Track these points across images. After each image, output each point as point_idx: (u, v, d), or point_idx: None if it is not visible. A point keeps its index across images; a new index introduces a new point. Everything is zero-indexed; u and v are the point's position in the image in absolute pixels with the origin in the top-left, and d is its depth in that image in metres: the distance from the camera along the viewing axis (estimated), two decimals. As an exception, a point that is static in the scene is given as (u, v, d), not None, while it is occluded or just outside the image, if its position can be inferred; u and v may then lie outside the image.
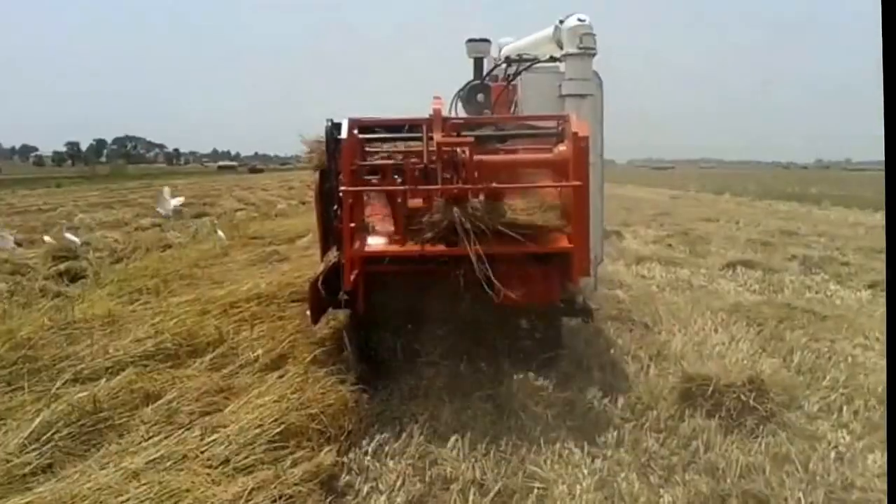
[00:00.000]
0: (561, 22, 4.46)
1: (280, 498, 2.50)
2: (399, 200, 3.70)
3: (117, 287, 5.91)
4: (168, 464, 2.67)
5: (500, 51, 6.04)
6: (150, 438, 2.88)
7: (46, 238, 9.64)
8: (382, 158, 3.84)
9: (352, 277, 3.61)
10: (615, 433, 3.25)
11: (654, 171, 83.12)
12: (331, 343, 4.16)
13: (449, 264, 3.61)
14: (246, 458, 2.70)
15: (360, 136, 3.82)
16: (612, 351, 4.49)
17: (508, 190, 3.78)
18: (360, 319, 4.03)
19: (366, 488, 2.80)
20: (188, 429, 2.96)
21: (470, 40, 5.92)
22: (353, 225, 3.59)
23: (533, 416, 3.41)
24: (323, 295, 3.82)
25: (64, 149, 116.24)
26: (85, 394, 3.20)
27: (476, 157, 3.64)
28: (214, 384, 3.44)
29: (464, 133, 3.97)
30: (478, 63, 5.86)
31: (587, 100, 4.35)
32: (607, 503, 2.69)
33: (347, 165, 3.60)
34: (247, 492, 2.48)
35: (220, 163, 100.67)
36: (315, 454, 2.85)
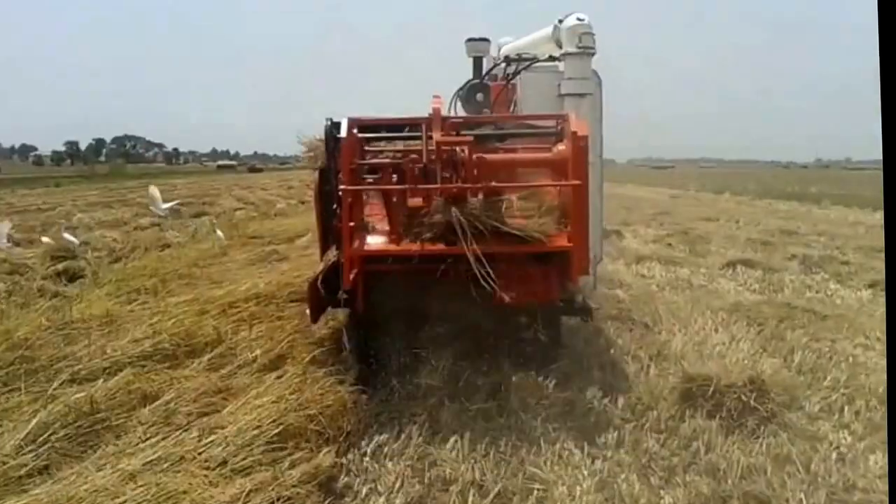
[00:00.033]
0: (560, 21, 4.47)
1: (278, 500, 2.48)
2: (395, 199, 3.69)
3: (115, 287, 5.89)
4: (165, 465, 2.65)
5: (499, 50, 6.04)
6: (147, 440, 2.86)
7: (44, 239, 9.59)
8: (382, 158, 3.83)
9: (351, 276, 3.60)
10: (615, 434, 3.23)
11: (654, 170, 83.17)
12: (329, 343, 4.15)
13: (448, 263, 3.59)
14: (244, 459, 2.68)
15: (360, 135, 3.80)
16: (612, 351, 4.48)
17: (508, 189, 3.77)
18: (360, 319, 4.02)
19: (364, 490, 2.78)
20: (186, 430, 2.94)
21: (469, 39, 5.92)
22: (352, 224, 3.57)
23: (533, 417, 3.40)
24: (322, 294, 3.82)
25: (63, 148, 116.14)
26: (82, 394, 3.18)
27: (475, 156, 3.63)
28: (212, 385, 3.42)
29: (463, 132, 3.95)
30: (477, 62, 5.86)
31: (586, 99, 4.35)
32: (607, 505, 2.67)
33: (347, 164, 3.59)
34: (245, 493, 2.46)
35: (220, 162, 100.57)
36: (313, 455, 2.84)
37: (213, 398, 3.29)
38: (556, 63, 4.72)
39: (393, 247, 3.65)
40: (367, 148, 3.89)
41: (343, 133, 3.68)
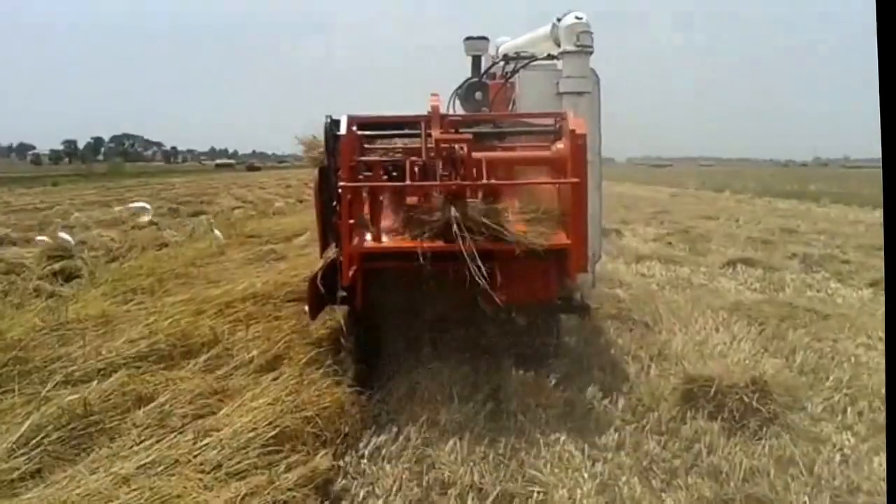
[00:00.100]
0: (558, 20, 4.47)
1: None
2: (381, 198, 3.70)
3: (112, 287, 5.84)
4: (159, 469, 2.61)
5: (497, 50, 6.04)
6: (141, 442, 2.82)
7: (39, 238, 9.51)
8: (381, 155, 3.83)
9: (350, 273, 3.60)
10: (616, 435, 3.20)
11: (653, 168, 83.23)
12: (327, 344, 4.11)
13: (447, 261, 3.58)
14: (239, 462, 2.64)
15: (359, 132, 3.80)
16: (612, 350, 4.45)
17: (506, 187, 3.75)
18: (359, 316, 4.02)
19: (362, 493, 2.74)
20: (181, 432, 2.90)
21: (468, 38, 5.91)
22: (351, 221, 3.57)
23: (532, 418, 3.37)
24: (321, 291, 3.80)
25: (61, 147, 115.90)
26: (76, 396, 3.13)
27: (474, 154, 3.62)
28: (208, 386, 3.38)
29: (462, 130, 3.94)
30: (476, 61, 5.85)
31: (584, 97, 4.34)
32: (608, 508, 2.64)
33: (346, 162, 3.59)
34: (240, 497, 2.42)
35: (218, 161, 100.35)
36: (310, 458, 2.79)
37: (209, 400, 3.25)
38: (555, 61, 4.72)
39: (392, 244, 3.64)
40: (366, 146, 3.87)
41: (342, 130, 3.68)
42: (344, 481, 2.81)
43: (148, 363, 3.71)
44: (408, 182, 3.61)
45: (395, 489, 2.74)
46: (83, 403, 3.07)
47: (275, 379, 3.45)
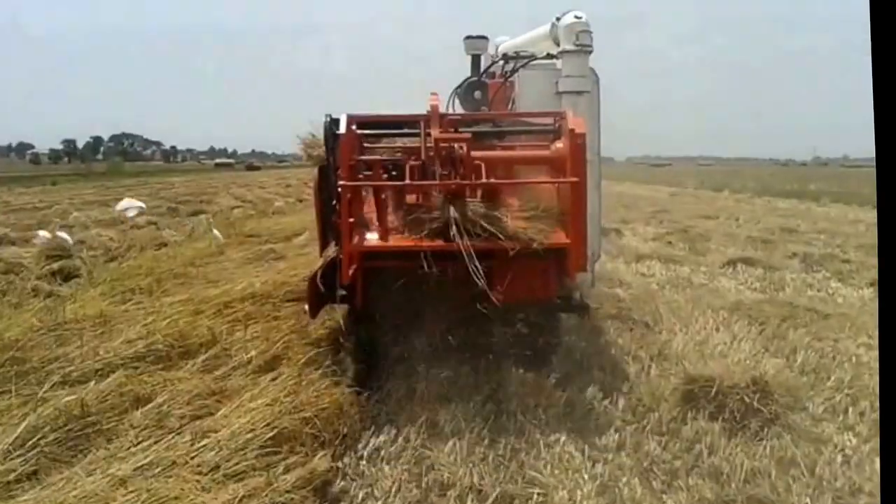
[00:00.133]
0: (558, 19, 4.48)
1: (272, 505, 2.43)
2: (384, 196, 3.69)
3: (110, 287, 5.82)
4: (157, 470, 2.58)
5: (496, 49, 6.04)
6: (139, 444, 2.80)
7: (41, 232, 9.43)
8: (380, 154, 3.83)
9: (350, 272, 3.60)
10: (616, 436, 3.18)
11: (653, 168, 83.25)
12: (326, 344, 4.10)
13: (447, 260, 3.58)
14: (237, 464, 2.62)
15: (359, 131, 3.80)
16: (612, 350, 4.43)
17: (505, 186, 3.75)
18: (358, 315, 4.03)
19: (361, 494, 2.72)
20: (178, 433, 2.87)
21: (468, 37, 5.92)
22: (351, 220, 3.57)
23: (532, 418, 3.35)
24: (321, 290, 3.80)
25: (60, 146, 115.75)
26: (73, 397, 3.11)
27: (473, 154, 3.61)
28: (206, 387, 3.36)
29: (461, 129, 3.93)
30: (475, 60, 5.85)
31: (584, 97, 4.33)
32: (609, 510, 2.62)
33: (346, 160, 3.58)
34: (237, 499, 2.40)
35: (217, 160, 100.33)
36: (308, 459, 2.77)
37: (207, 400, 3.22)
38: (554, 61, 4.71)
39: (391, 243, 3.63)
40: (365, 144, 3.87)
41: (342, 129, 3.68)
42: (343, 483, 2.80)
43: (146, 363, 3.69)
44: (407, 181, 3.61)
45: (394, 490, 2.73)
46: (80, 404, 3.05)
47: (273, 379, 3.43)
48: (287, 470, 2.66)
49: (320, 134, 3.92)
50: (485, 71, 5.66)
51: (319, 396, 3.24)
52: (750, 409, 3.32)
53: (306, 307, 4.02)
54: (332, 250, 3.93)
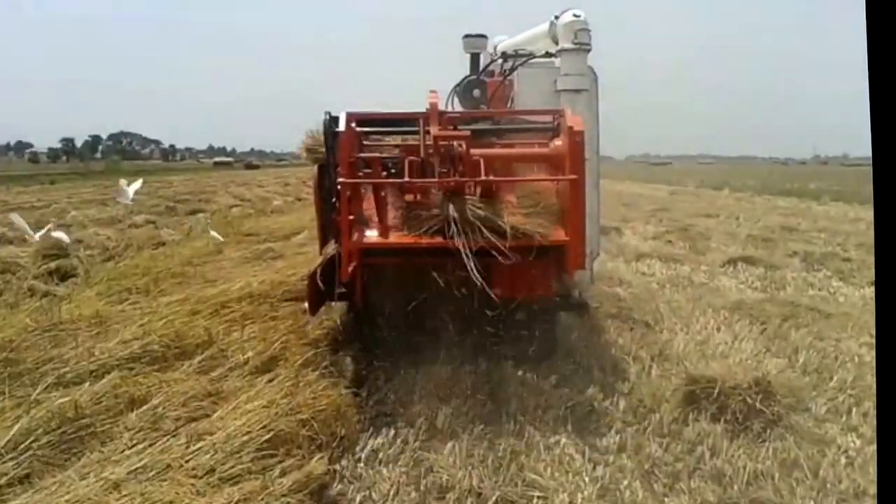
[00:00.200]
0: (556, 18, 4.50)
1: (268, 509, 2.39)
2: (383, 194, 3.69)
3: (107, 286, 5.77)
4: (151, 473, 2.54)
5: (495, 49, 6.06)
6: (133, 446, 2.75)
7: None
8: (379, 152, 3.82)
9: (349, 269, 3.60)
10: (617, 437, 3.14)
11: (652, 166, 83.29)
12: (324, 344, 4.06)
13: (446, 258, 3.56)
14: (232, 467, 2.57)
15: (358, 129, 3.80)
16: (612, 350, 4.39)
17: (504, 184, 3.73)
18: (358, 314, 4.04)
19: (358, 497, 2.68)
20: (174, 436, 2.83)
21: (467, 36, 5.95)
22: (350, 217, 3.57)
23: (532, 419, 3.32)
24: (321, 287, 3.78)
25: (59, 145, 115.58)
26: (67, 399, 3.06)
27: (472, 151, 3.60)
28: (202, 388, 3.31)
29: (460, 127, 3.93)
30: (474, 58, 5.88)
31: (582, 95, 4.35)
32: (610, 513, 2.58)
33: (345, 158, 3.59)
34: (233, 503, 2.37)
35: (216, 159, 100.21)
36: (305, 462, 2.73)
37: (203, 402, 3.18)
38: (553, 59, 4.72)
39: (391, 240, 3.62)
40: (365, 142, 3.87)
41: (341, 127, 3.69)
42: (340, 486, 2.76)
43: (141, 364, 3.64)
44: (406, 179, 3.60)
45: (392, 494, 2.69)
46: (74, 406, 3.00)
47: (270, 381, 3.38)
48: (283, 473, 2.62)
49: (320, 132, 3.92)
50: (484, 69, 5.67)
51: (317, 398, 3.20)
52: (752, 410, 3.28)
53: (306, 304, 4.01)
54: (331, 248, 3.92)
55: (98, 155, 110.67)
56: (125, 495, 2.40)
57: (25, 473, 2.60)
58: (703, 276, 7.17)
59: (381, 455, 2.98)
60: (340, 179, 3.57)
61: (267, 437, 2.79)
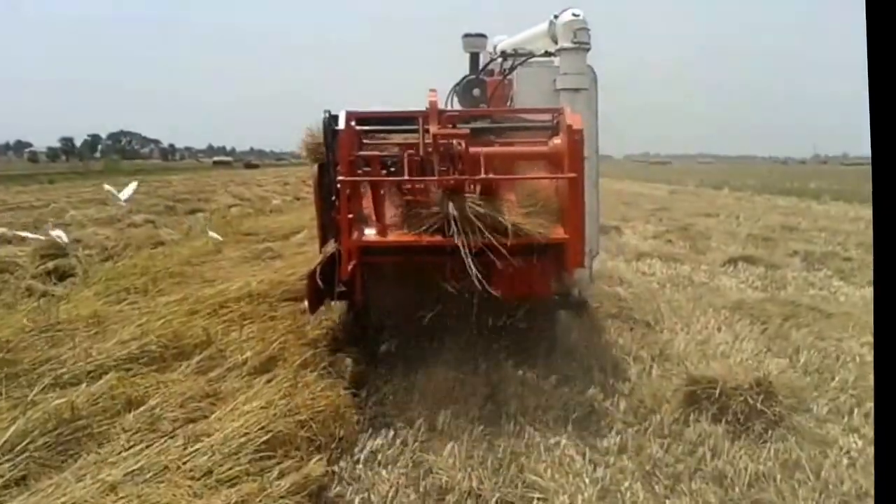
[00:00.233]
0: (556, 17, 4.50)
1: (265, 511, 2.37)
2: (382, 192, 3.69)
3: (105, 286, 5.74)
4: (148, 475, 2.53)
5: (494, 48, 6.07)
6: (130, 448, 2.73)
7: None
8: (379, 150, 3.82)
9: (349, 267, 3.60)
10: (618, 438, 3.12)
11: (652, 166, 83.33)
12: (323, 344, 4.04)
13: (445, 256, 3.55)
14: (230, 469, 2.56)
15: (358, 127, 3.80)
16: (613, 351, 4.37)
17: (503, 182, 3.72)
18: (357, 314, 4.05)
19: (357, 499, 2.66)
20: (171, 437, 2.81)
21: (466, 35, 5.96)
22: (350, 215, 3.57)
23: (532, 420, 3.30)
24: (320, 286, 3.77)
25: (58, 144, 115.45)
26: (63, 400, 3.04)
27: (471, 149, 3.60)
28: (200, 389, 3.30)
29: (459, 126, 3.92)
30: (474, 58, 5.90)
31: (581, 94, 4.36)
32: (611, 515, 2.56)
33: (345, 156, 3.59)
34: (230, 506, 2.35)
35: (216, 158, 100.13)
36: (303, 464, 2.71)
37: (201, 403, 3.16)
38: (552, 58, 4.73)
39: (390, 238, 3.62)
40: (364, 141, 3.86)
41: (341, 125, 3.69)
42: (338, 488, 2.73)
43: (139, 365, 3.62)
44: (406, 177, 3.59)
45: (391, 495, 2.67)
46: (71, 407, 2.98)
47: (268, 381, 3.37)
48: (281, 475, 2.60)
49: (320, 130, 3.91)
50: (483, 69, 5.67)
51: (315, 399, 3.18)
52: (753, 410, 3.26)
53: (305, 303, 4.00)
54: (331, 246, 3.92)
55: (97, 154, 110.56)
56: (122, 497, 2.38)
57: (21, 475, 2.58)
58: (704, 275, 7.15)
59: (380, 456, 2.96)
60: (340, 177, 3.57)
61: (265, 438, 2.77)
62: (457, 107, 5.18)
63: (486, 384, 3.67)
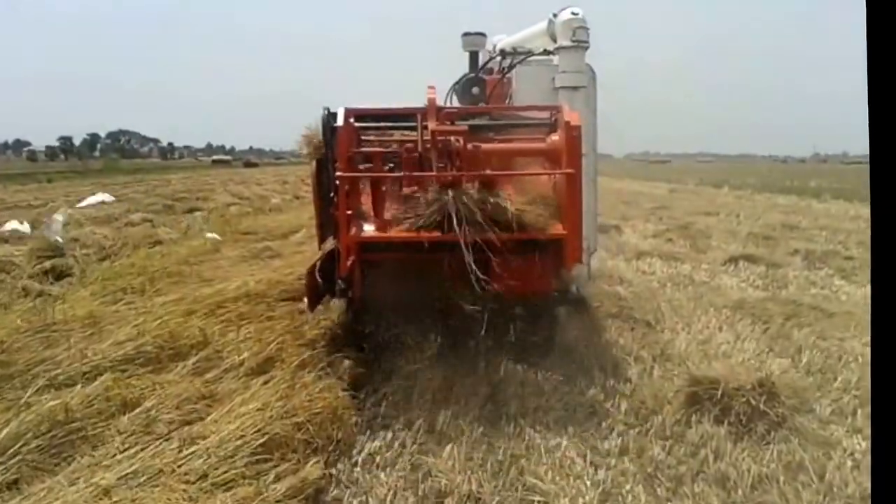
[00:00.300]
0: (555, 16, 4.53)
1: (262, 516, 2.33)
2: (383, 189, 3.69)
3: (101, 286, 5.70)
4: (142, 479, 2.49)
5: (493, 48, 6.06)
6: (124, 451, 2.70)
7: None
8: (377, 147, 3.81)
9: (348, 264, 3.60)
10: (619, 440, 3.09)
11: (652, 164, 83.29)
12: (321, 345, 4.00)
13: (444, 252, 3.52)
14: (226, 472, 2.52)
15: (356, 124, 3.80)
16: (613, 351, 4.33)
17: (502, 179, 3.70)
18: (356, 313, 4.03)
19: (355, 502, 2.63)
20: (166, 440, 2.77)
21: (465, 34, 5.97)
22: (349, 212, 3.56)
23: (532, 422, 3.26)
24: (320, 283, 3.77)
25: (57, 143, 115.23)
26: (57, 402, 3.00)
27: (470, 146, 3.59)
28: (196, 391, 3.25)
29: (458, 123, 3.91)
30: (473, 56, 5.90)
31: (580, 92, 4.38)
32: (612, 518, 2.53)
33: (343, 153, 3.58)
34: (226, 510, 2.31)
35: (215, 157, 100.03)
36: (300, 467, 2.67)
37: (197, 405, 3.12)
38: (551, 57, 4.73)
39: (389, 234, 3.61)
40: (363, 138, 3.86)
41: (340, 122, 3.69)
42: (336, 491, 2.70)
43: (134, 366, 3.58)
44: (404, 173, 3.59)
45: (389, 498, 2.63)
46: (65, 409, 2.94)
47: (265, 383, 3.32)
48: (278, 478, 2.56)
49: (319, 127, 3.90)
50: (482, 67, 5.67)
51: (313, 400, 3.14)
52: (756, 411, 3.22)
53: (305, 300, 4.00)
54: (330, 243, 3.92)
55: (96, 153, 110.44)
56: (116, 501, 2.35)
57: (14, 479, 2.54)
58: (704, 274, 7.11)
59: (378, 459, 2.92)
60: (338, 174, 3.56)
61: (261, 440, 2.74)
62: (456, 105, 5.17)
63: (486, 384, 3.63)
